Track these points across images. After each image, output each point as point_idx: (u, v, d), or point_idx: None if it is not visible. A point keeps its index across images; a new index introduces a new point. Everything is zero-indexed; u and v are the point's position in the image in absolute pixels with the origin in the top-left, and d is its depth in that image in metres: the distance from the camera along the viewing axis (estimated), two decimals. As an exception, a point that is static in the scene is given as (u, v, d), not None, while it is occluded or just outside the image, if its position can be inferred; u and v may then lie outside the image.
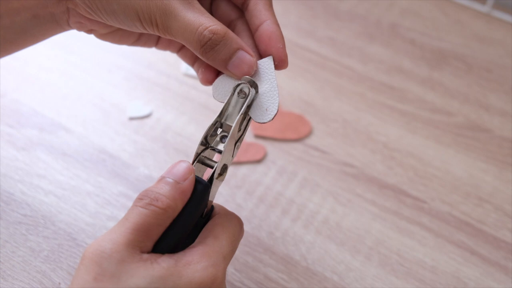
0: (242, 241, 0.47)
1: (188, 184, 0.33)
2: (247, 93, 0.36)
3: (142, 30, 0.37)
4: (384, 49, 0.66)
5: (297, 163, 0.54)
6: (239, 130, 0.37)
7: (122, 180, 0.51)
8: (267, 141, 0.55)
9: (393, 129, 0.57)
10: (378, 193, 0.52)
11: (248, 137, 0.55)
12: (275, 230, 0.49)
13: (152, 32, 0.37)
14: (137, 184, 0.51)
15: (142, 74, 0.61)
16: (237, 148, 0.37)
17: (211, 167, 0.36)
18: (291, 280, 0.46)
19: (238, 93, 0.36)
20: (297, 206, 0.51)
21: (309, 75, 0.62)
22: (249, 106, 0.37)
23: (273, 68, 0.37)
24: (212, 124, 0.36)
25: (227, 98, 0.36)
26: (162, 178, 0.33)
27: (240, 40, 0.36)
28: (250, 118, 0.37)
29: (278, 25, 0.38)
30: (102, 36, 0.42)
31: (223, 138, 0.36)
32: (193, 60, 0.43)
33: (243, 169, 0.53)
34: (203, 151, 0.36)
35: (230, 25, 0.40)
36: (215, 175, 0.35)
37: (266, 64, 0.37)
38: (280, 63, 0.37)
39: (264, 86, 0.37)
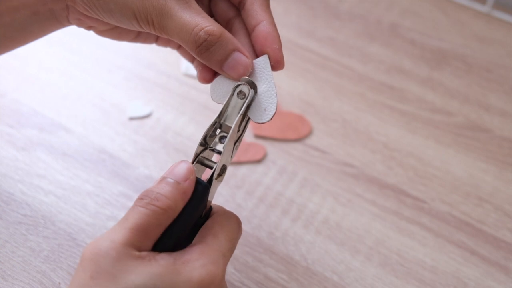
0: (242, 241, 0.47)
1: (189, 185, 0.33)
2: (246, 93, 0.36)
3: (139, 29, 0.37)
4: (384, 49, 0.65)
5: (297, 163, 0.54)
6: (238, 131, 0.37)
7: (122, 180, 0.51)
8: (267, 141, 0.55)
9: (393, 129, 0.57)
10: (378, 193, 0.52)
11: (248, 137, 0.55)
12: (275, 230, 0.49)
13: (149, 31, 0.37)
14: (137, 184, 0.51)
15: (142, 74, 0.61)
16: (236, 149, 0.37)
17: (210, 167, 0.36)
18: (291, 280, 0.46)
19: (237, 93, 0.36)
20: (297, 206, 0.51)
21: (309, 75, 0.62)
22: (248, 107, 0.37)
23: (270, 67, 0.37)
24: (211, 124, 0.36)
25: (226, 99, 0.36)
26: (163, 179, 0.33)
27: (236, 41, 0.36)
28: (249, 118, 0.37)
29: (274, 25, 0.37)
30: (101, 33, 0.42)
31: (222, 138, 0.36)
32: (193, 57, 0.43)
33: (243, 169, 0.53)
34: (202, 151, 0.36)
35: (228, 23, 0.39)
36: (214, 175, 0.35)
37: (262, 63, 0.37)
38: (276, 64, 0.37)
39: (262, 86, 0.37)
